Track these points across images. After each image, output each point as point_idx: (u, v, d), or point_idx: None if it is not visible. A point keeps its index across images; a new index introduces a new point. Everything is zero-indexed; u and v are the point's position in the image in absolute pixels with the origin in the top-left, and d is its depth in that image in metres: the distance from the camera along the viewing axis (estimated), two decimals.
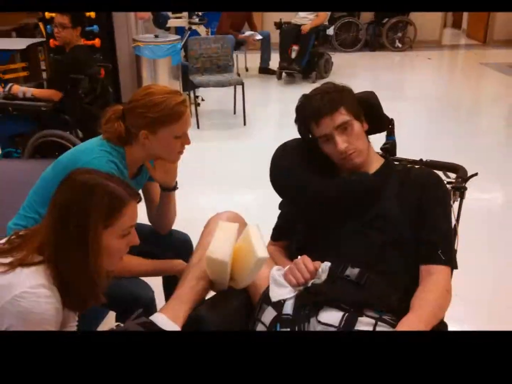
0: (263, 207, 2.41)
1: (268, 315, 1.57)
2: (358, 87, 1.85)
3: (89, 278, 1.38)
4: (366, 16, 9.84)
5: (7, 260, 1.36)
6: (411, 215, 1.63)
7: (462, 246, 1.73)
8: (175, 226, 2.20)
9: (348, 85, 1.81)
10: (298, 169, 1.77)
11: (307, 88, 2.24)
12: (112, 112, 1.87)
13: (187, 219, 2.35)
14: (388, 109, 1.92)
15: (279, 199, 1.92)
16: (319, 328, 1.47)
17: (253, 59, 8.22)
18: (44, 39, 5.52)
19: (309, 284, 1.58)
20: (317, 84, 1.88)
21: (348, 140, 1.69)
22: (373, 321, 1.46)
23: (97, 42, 4.75)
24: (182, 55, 6.23)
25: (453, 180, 1.84)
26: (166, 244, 2.16)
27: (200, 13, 6.50)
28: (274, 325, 1.54)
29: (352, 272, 1.56)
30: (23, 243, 1.42)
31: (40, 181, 1.91)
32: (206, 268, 1.68)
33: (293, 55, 7.39)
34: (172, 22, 6.42)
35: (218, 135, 5.62)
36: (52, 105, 3.72)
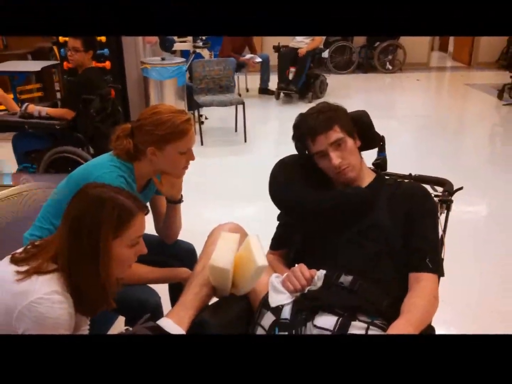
0: (263, 219, 2.41)
1: (267, 319, 1.58)
2: (351, 107, 1.86)
3: (100, 285, 1.38)
4: (359, 40, 9.89)
5: (24, 268, 1.37)
6: (401, 225, 1.64)
7: (449, 255, 1.74)
8: (180, 237, 2.20)
9: (342, 104, 1.82)
10: (295, 184, 1.78)
11: (303, 107, 2.26)
12: (122, 130, 1.89)
13: (191, 230, 2.35)
14: (380, 127, 1.94)
15: (278, 212, 1.92)
16: (315, 331, 1.48)
17: (253, 80, 8.26)
18: (58, 62, 5.57)
19: (306, 291, 1.58)
20: (313, 104, 1.89)
21: (342, 156, 1.71)
22: (365, 325, 1.47)
23: (107, 64, 4.78)
24: (187, 77, 6.27)
25: (440, 194, 1.85)
26: (172, 253, 2.16)
27: (203, 37, 6.55)
28: (273, 329, 1.55)
29: (346, 279, 1.57)
30: (39, 252, 1.43)
31: (54, 194, 1.91)
32: (209, 275, 1.69)
33: (291, 76, 7.44)
34: (178, 46, 6.47)
35: (221, 151, 5.63)
36: (66, 123, 3.73)
